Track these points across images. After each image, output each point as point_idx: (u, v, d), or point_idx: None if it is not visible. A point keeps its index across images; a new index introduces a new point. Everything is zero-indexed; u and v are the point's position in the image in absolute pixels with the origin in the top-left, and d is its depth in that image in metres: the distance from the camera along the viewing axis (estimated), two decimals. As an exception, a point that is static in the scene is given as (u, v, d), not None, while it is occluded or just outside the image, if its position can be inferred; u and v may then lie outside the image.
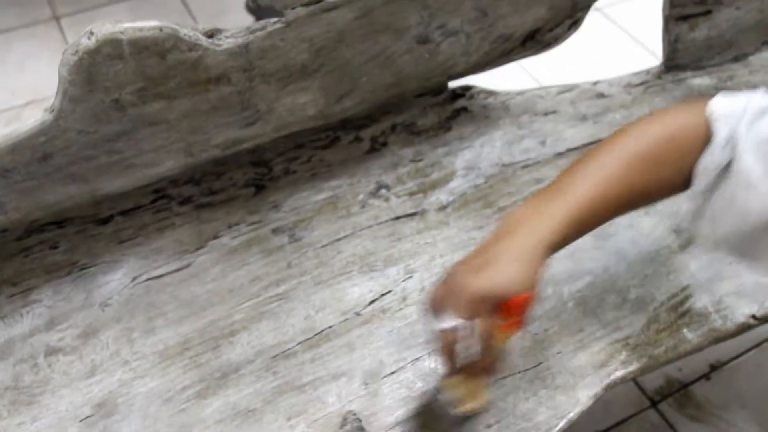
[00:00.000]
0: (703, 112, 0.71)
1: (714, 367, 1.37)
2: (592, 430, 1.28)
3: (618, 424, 1.29)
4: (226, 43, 0.76)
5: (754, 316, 0.87)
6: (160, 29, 0.70)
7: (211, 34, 0.76)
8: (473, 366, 0.66)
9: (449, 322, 0.65)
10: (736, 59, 1.17)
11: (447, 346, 0.66)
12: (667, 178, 0.72)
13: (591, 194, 0.69)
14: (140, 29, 0.70)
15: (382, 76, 0.88)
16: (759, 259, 0.71)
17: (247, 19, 1.81)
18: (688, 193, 0.72)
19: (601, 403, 1.31)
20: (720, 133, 0.69)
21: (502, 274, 0.65)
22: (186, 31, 0.72)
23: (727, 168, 0.68)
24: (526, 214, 0.69)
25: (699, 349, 0.86)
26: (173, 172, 0.85)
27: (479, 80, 1.05)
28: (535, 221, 0.68)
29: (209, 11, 2.06)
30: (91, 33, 0.68)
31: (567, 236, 0.68)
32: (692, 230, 0.76)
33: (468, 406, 0.69)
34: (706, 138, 0.70)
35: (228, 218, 0.93)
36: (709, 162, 0.69)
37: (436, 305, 0.67)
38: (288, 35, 0.78)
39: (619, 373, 0.82)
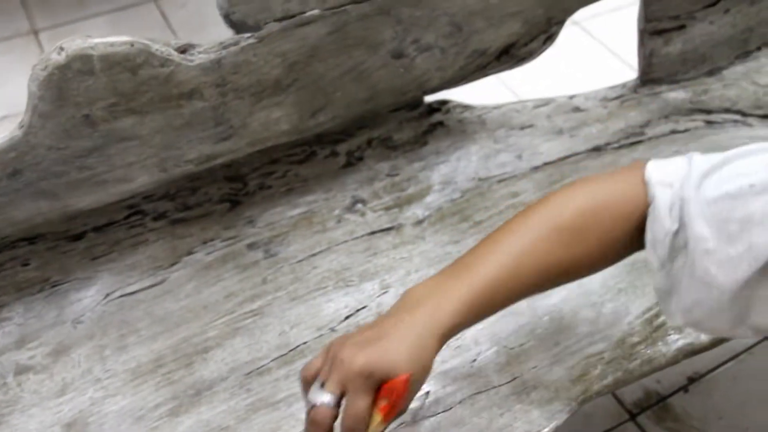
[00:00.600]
0: (636, 177, 0.67)
1: (692, 380, 1.37)
2: (572, 443, 1.28)
3: (597, 437, 1.30)
4: (198, 58, 0.75)
5: (728, 329, 0.87)
6: (132, 44, 0.70)
7: (183, 50, 0.75)
8: None
9: (323, 396, 0.59)
10: (710, 73, 1.18)
11: (314, 423, 0.60)
12: (596, 249, 0.67)
13: (498, 273, 0.64)
14: (111, 44, 0.70)
15: (357, 91, 0.88)
16: (722, 333, 0.67)
17: (228, 33, 1.81)
18: (652, 268, 0.68)
19: (580, 416, 1.31)
20: (661, 199, 0.64)
21: (389, 352, 0.59)
22: (158, 47, 0.72)
23: (677, 235, 0.64)
24: (427, 292, 0.64)
25: (674, 362, 0.86)
26: (147, 188, 0.85)
27: (457, 94, 1.05)
28: (434, 302, 0.63)
29: (189, 25, 2.06)
30: (61, 48, 0.68)
31: (467, 319, 0.64)
32: (662, 309, 0.70)
33: None
34: (642, 205, 0.66)
35: (203, 234, 0.93)
36: (657, 231, 0.65)
37: (310, 376, 0.62)
38: (261, 50, 0.78)
39: (595, 387, 0.82)
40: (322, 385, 0.60)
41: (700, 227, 0.61)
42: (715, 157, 0.63)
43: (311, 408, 0.60)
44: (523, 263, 0.65)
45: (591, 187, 0.69)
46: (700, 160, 0.64)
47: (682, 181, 0.64)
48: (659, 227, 0.64)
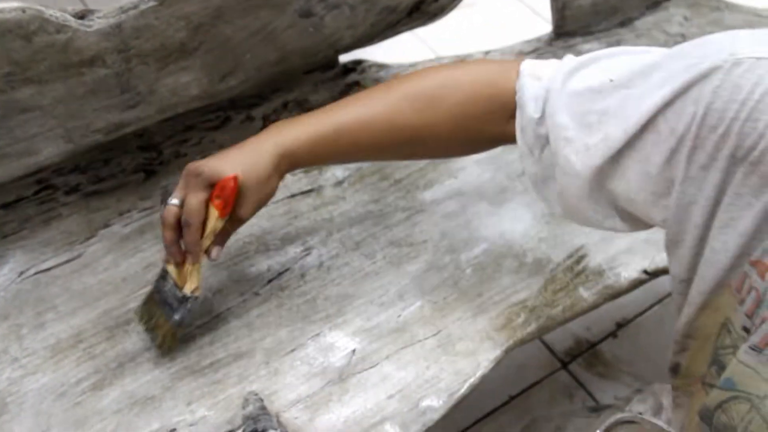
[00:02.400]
0: (511, 68, 0.71)
1: (620, 325, 1.41)
2: (506, 394, 1.31)
3: (530, 387, 1.32)
4: (97, 23, 0.73)
5: (645, 271, 0.90)
6: (23, 11, 0.67)
7: (81, 15, 0.73)
8: (190, 244, 0.72)
9: (172, 199, 0.72)
10: (622, 24, 1.20)
11: (165, 221, 0.72)
12: (450, 120, 0.72)
13: (348, 120, 0.71)
14: (0, 11, 0.67)
15: (267, 52, 0.86)
16: (597, 225, 0.70)
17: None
18: (522, 154, 0.71)
19: (513, 367, 1.35)
20: (528, 89, 0.68)
21: (220, 159, 0.70)
22: (52, 12, 0.69)
23: (539, 125, 0.68)
24: (281, 123, 0.73)
25: (595, 306, 0.88)
26: (54, 160, 0.82)
27: (376, 52, 1.04)
28: (281, 127, 0.72)
29: (103, -2, 1.99)
30: (-53, 17, 0.65)
31: (309, 150, 0.72)
32: (539, 197, 0.74)
33: (186, 288, 0.75)
34: (508, 92, 0.70)
35: (118, 205, 0.91)
36: (523, 118, 0.69)
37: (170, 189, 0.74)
38: (163, 13, 0.76)
39: (519, 335, 0.83)
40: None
41: (561, 117, 0.65)
42: (585, 57, 0.67)
43: (163, 208, 0.72)
44: (375, 118, 0.72)
45: (463, 66, 0.74)
46: (570, 59, 0.68)
47: (550, 75, 0.67)
48: (525, 115, 0.68)
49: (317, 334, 0.82)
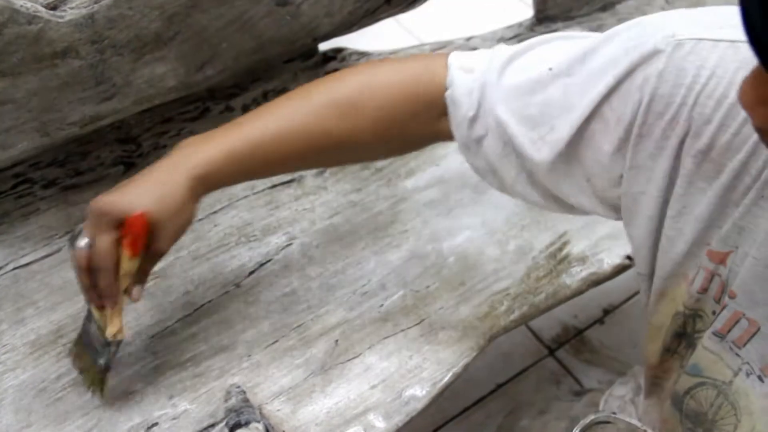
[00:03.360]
0: (437, 63, 0.66)
1: (607, 312, 1.41)
2: (494, 382, 1.31)
3: (518, 374, 1.33)
4: (69, 14, 0.72)
5: (628, 257, 0.90)
6: (-8, 2, 0.66)
7: (53, 6, 0.72)
8: (104, 289, 0.65)
9: (80, 241, 0.64)
10: (603, 8, 1.19)
11: (77, 266, 0.65)
12: (371, 126, 0.66)
13: (262, 133, 0.65)
14: (-31, 3, 0.66)
15: (243, 41, 0.85)
16: (546, 208, 0.68)
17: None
18: (459, 148, 0.67)
19: (500, 355, 1.35)
20: (460, 84, 0.63)
21: (127, 193, 0.63)
22: (22, 3, 0.68)
23: (475, 120, 0.64)
24: (192, 140, 0.67)
25: (578, 293, 0.88)
26: (30, 154, 0.81)
27: (359, 40, 1.03)
28: (194, 147, 0.65)
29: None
30: None
31: (224, 168, 0.65)
32: (491, 184, 0.70)
33: (108, 331, 0.68)
34: (436, 89, 0.65)
35: (97, 199, 0.90)
36: (457, 115, 0.65)
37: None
38: (136, 3, 0.75)
39: (502, 323, 0.83)
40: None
41: (501, 112, 0.61)
42: (519, 45, 0.63)
43: (73, 252, 0.65)
44: (290, 129, 0.66)
45: (384, 66, 0.68)
46: (503, 49, 0.64)
47: (484, 67, 0.63)
48: (459, 112, 0.64)
49: (299, 326, 0.81)
